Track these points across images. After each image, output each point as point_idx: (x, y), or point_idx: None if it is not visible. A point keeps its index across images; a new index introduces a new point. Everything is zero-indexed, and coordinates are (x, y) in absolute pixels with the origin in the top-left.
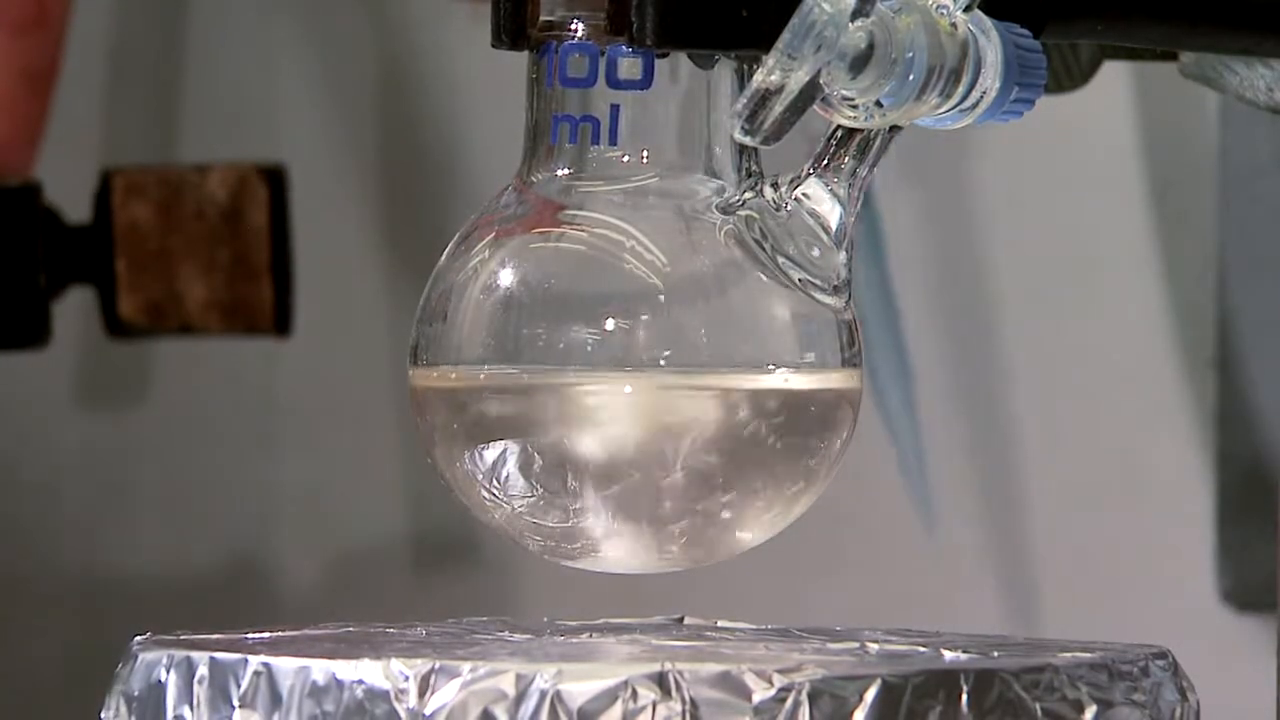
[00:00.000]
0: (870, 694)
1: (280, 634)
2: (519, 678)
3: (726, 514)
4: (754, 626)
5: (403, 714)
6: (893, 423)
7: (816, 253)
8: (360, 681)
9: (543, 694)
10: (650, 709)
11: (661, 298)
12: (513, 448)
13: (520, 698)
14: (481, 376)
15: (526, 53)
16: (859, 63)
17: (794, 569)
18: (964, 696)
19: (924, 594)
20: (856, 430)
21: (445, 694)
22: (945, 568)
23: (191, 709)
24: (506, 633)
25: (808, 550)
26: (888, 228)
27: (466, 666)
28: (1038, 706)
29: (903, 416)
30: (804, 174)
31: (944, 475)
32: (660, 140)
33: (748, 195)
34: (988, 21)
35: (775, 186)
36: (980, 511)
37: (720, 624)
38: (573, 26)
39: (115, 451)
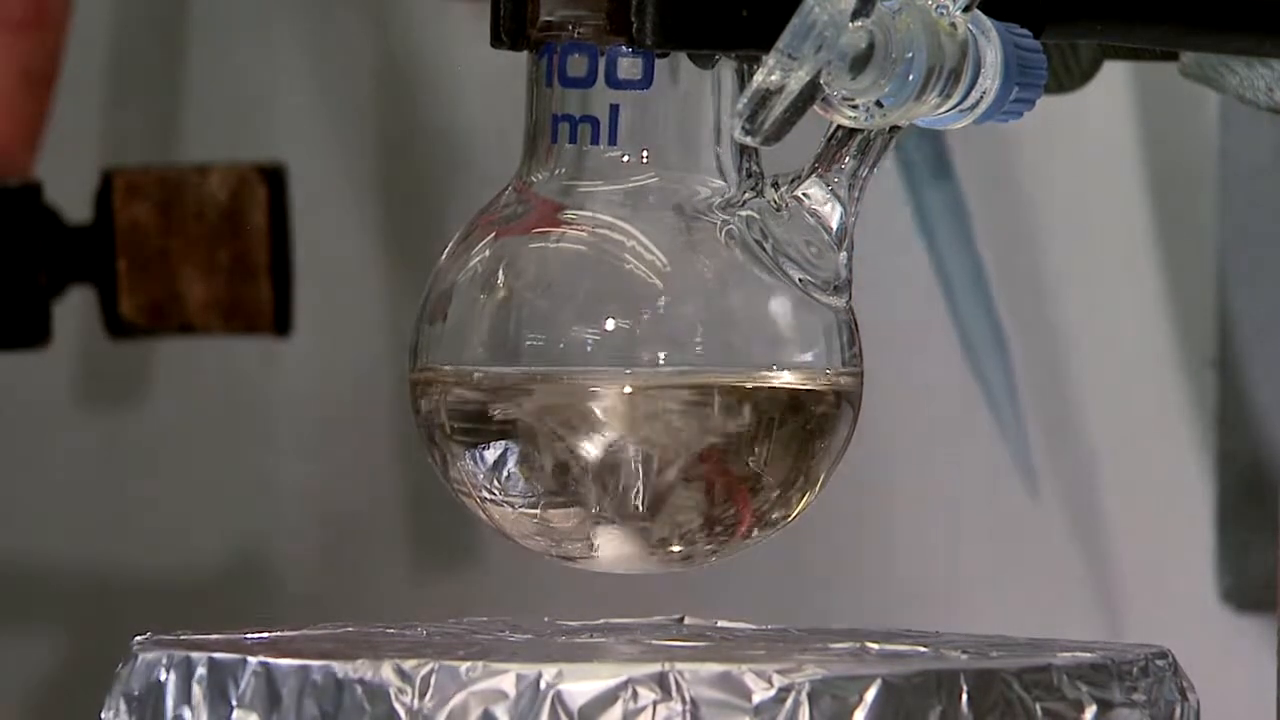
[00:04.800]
0: (870, 694)
1: (280, 634)
2: (519, 678)
3: (727, 514)
4: (754, 626)
5: (403, 714)
6: (993, 392)
7: (817, 253)
8: (360, 681)
9: (543, 694)
10: (650, 709)
11: (661, 298)
12: (513, 448)
13: (520, 698)
14: (481, 376)
15: (526, 53)
16: (859, 63)
17: (795, 569)
18: (964, 696)
19: (924, 594)
20: (856, 430)
21: (445, 694)
22: (945, 568)
23: (191, 709)
24: (506, 633)
25: (808, 550)
26: (890, 227)
27: (466, 666)
28: (1038, 706)
29: (1002, 385)
30: (804, 174)
31: None
32: (660, 140)
33: (748, 195)
34: (987, 21)
35: (776, 186)
36: (979, 511)
37: (720, 624)
38: (572, 27)
39: (115, 451)
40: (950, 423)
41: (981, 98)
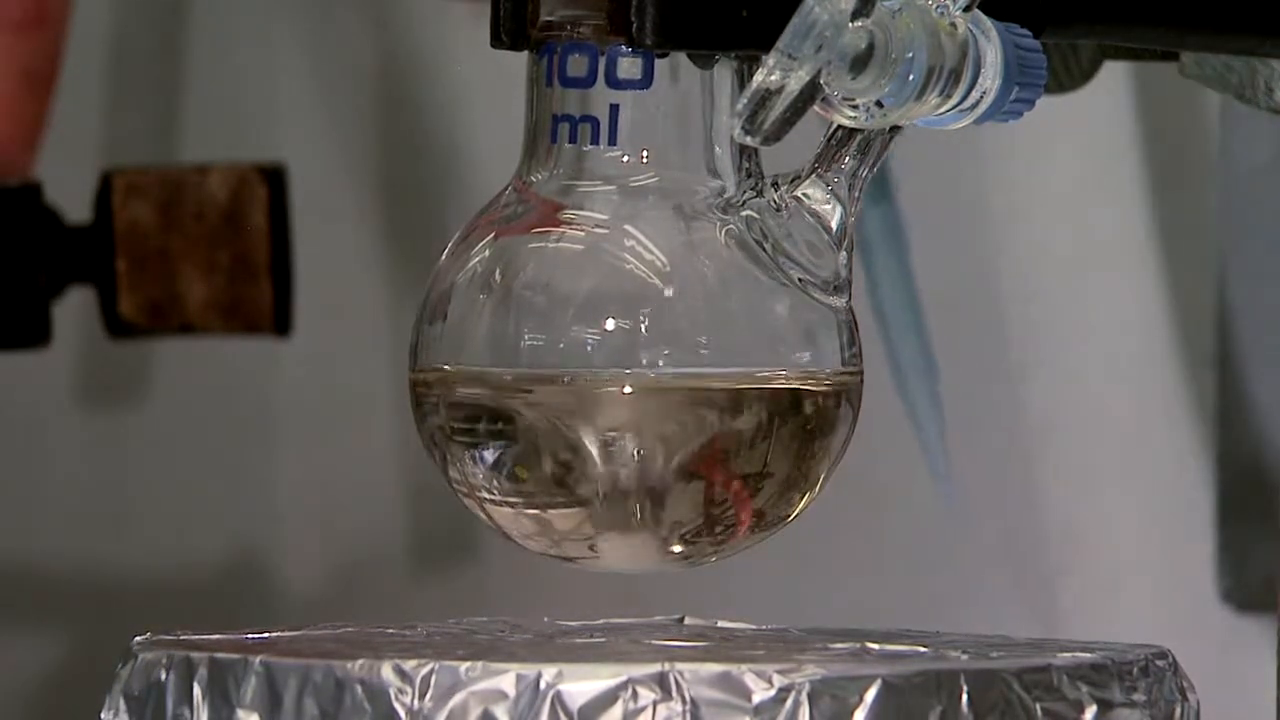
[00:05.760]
0: (870, 694)
1: (280, 634)
2: (519, 678)
3: (727, 514)
4: (754, 626)
5: (402, 714)
6: (918, 416)
7: (816, 253)
8: (360, 681)
9: (543, 694)
10: (651, 709)
11: (661, 298)
12: (513, 448)
13: (520, 698)
14: (481, 377)
15: (526, 53)
16: (859, 63)
17: (795, 569)
18: (964, 696)
19: (923, 594)
20: (857, 430)
21: (445, 694)
22: (944, 568)
23: (191, 709)
24: (506, 633)
25: (808, 550)
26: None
27: (466, 666)
28: (1038, 706)
29: (928, 410)
30: (804, 174)
31: None
32: (660, 140)
33: (748, 195)
34: (987, 21)
35: (775, 186)
36: (978, 511)
37: (720, 624)
38: (572, 27)
39: (115, 451)
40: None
41: (982, 98)
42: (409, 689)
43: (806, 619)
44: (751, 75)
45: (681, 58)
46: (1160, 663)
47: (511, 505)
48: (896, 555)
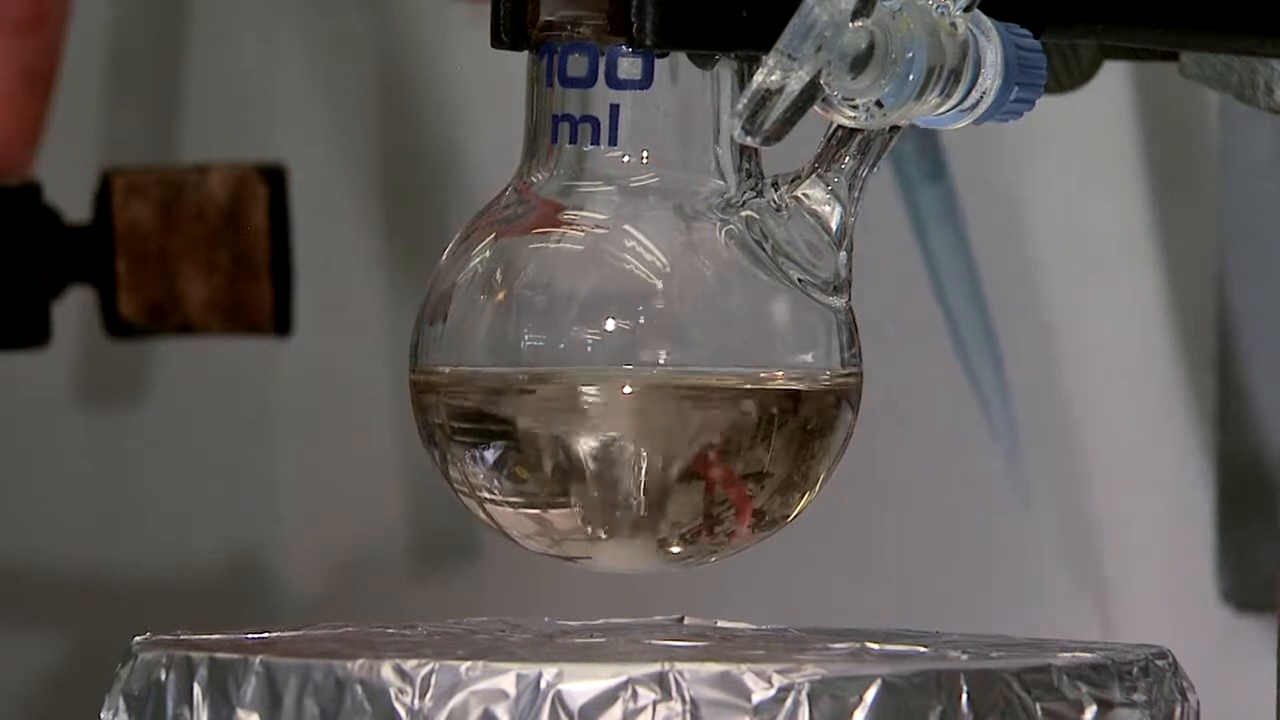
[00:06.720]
0: (870, 694)
1: (280, 634)
2: (519, 678)
3: (726, 514)
4: (754, 626)
5: (403, 714)
6: (985, 394)
7: (816, 253)
8: (360, 681)
9: (543, 694)
10: (651, 709)
11: (661, 298)
12: (513, 448)
13: (520, 697)
14: (481, 377)
15: (526, 53)
16: (859, 63)
17: (795, 569)
18: (964, 696)
19: (922, 594)
20: (857, 430)
21: (445, 694)
22: (944, 567)
23: (191, 709)
24: (506, 633)
25: (808, 550)
26: (887, 228)
27: (466, 666)
28: (1038, 706)
29: (994, 387)
30: (804, 174)
31: None
32: (660, 140)
33: (748, 195)
34: (988, 21)
35: (775, 186)
36: (978, 511)
37: (720, 624)
38: (572, 27)
39: (115, 451)
40: (950, 421)
41: (982, 98)
42: (409, 689)
43: (806, 619)
44: (751, 75)
45: (681, 58)
46: (1160, 663)
47: (511, 505)
48: (896, 555)
